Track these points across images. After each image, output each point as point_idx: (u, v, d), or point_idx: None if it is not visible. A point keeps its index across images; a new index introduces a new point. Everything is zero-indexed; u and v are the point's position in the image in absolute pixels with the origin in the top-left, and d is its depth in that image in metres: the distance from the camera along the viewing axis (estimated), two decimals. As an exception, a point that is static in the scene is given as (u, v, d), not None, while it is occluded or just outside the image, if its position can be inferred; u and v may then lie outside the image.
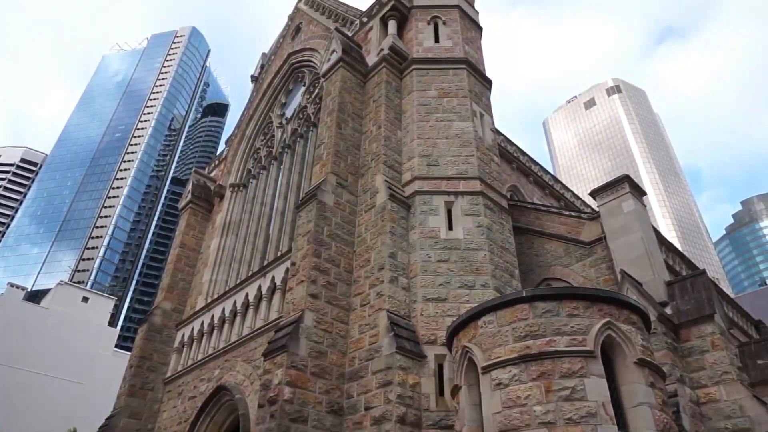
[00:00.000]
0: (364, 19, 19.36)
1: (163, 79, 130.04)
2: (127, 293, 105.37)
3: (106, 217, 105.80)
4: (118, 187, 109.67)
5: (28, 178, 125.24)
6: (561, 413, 7.48)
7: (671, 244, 16.38)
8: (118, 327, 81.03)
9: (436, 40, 17.00)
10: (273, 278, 15.47)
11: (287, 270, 14.27)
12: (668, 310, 12.12)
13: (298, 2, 26.16)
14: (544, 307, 8.45)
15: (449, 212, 13.21)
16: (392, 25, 17.59)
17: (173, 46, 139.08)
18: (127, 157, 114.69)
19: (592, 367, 7.84)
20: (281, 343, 10.86)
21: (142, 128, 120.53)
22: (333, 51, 17.20)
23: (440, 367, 10.83)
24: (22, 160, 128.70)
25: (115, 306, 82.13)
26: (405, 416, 9.86)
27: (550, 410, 7.55)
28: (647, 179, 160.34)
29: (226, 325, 16.90)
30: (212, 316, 17.67)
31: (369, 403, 10.36)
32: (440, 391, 10.54)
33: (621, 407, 7.91)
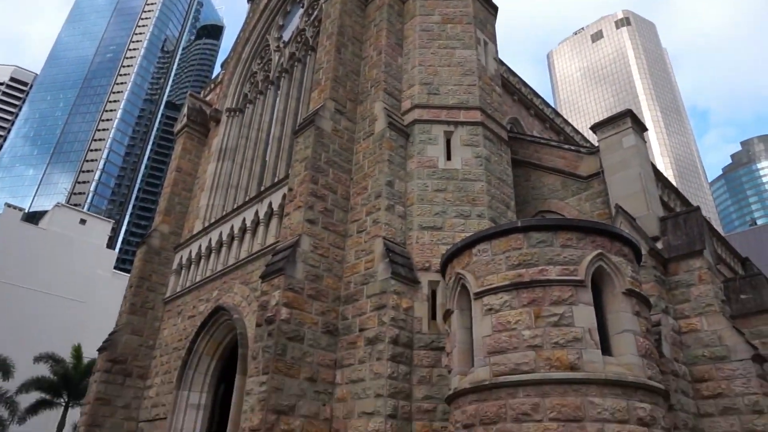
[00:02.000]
0: (367, -65, 18.28)
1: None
2: (125, 216, 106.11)
3: (100, 140, 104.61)
4: (111, 110, 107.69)
5: (18, 98, 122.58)
6: (548, 338, 7.79)
7: (668, 181, 16.44)
8: (117, 249, 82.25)
9: (442, -40, 16.16)
10: (270, 204, 15.55)
11: (284, 196, 14.32)
12: (659, 245, 12.35)
13: None
14: (539, 237, 8.58)
15: (448, 142, 13.12)
16: (396, -57, 16.64)
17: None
18: (119, 79, 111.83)
19: (581, 296, 8.08)
20: (279, 266, 11.08)
21: (135, 48, 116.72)
22: (333, -31, 16.36)
23: (433, 293, 11.14)
24: (12, 79, 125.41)
25: (113, 229, 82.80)
26: (398, 338, 10.24)
27: (538, 335, 7.85)
28: (649, 116, 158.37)
29: (224, 249, 17.16)
30: (210, 240, 17.91)
31: (363, 325, 10.73)
32: (432, 316, 10.90)
33: (607, 333, 8.23)
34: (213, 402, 15.98)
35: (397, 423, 9.52)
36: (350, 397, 10.25)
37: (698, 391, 10.74)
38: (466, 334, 8.99)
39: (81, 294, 58.49)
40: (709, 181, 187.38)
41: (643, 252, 11.42)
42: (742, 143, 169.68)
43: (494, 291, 8.50)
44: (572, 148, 15.88)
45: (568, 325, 7.84)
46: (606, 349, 8.08)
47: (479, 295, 8.70)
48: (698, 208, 13.11)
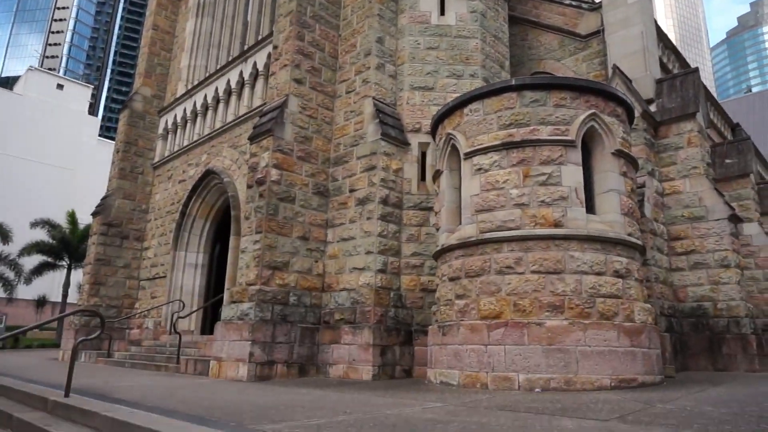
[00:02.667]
0: None
1: None
2: (104, 81, 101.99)
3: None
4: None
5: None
6: (535, 196, 7.94)
7: (669, 41, 15.77)
8: (99, 116, 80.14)
9: None
10: (254, 63, 14.85)
11: (269, 55, 13.63)
12: (653, 108, 12.19)
13: None
14: (532, 96, 8.38)
15: (442, -5, 12.24)
16: None
17: None
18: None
19: (570, 156, 8.10)
20: (267, 127, 10.88)
21: None
22: None
23: (423, 154, 11.13)
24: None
25: (93, 95, 79.98)
26: (387, 198, 10.42)
27: (525, 193, 7.99)
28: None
29: (210, 112, 16.72)
30: (194, 103, 17.39)
31: (353, 186, 10.85)
32: (422, 177, 11.00)
33: (592, 192, 8.40)
34: (210, 261, 16.66)
35: (386, 277, 10.04)
36: (341, 254, 10.69)
37: (672, 248, 11.31)
38: (454, 193, 9.13)
39: (68, 161, 58.11)
40: (711, 46, 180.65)
41: (637, 114, 11.30)
42: (752, 4, 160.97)
43: (484, 151, 8.48)
44: (573, 3, 14.94)
45: (556, 185, 7.96)
46: (591, 207, 8.30)
47: (469, 155, 8.70)
48: (696, 70, 12.76)
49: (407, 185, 10.87)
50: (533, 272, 7.67)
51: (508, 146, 8.28)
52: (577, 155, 8.14)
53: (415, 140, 11.15)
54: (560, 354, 7.21)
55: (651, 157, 11.55)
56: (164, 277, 16.46)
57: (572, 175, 8.02)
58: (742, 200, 15.23)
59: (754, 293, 14.71)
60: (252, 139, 11.30)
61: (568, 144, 8.11)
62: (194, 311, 15.15)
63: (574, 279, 7.58)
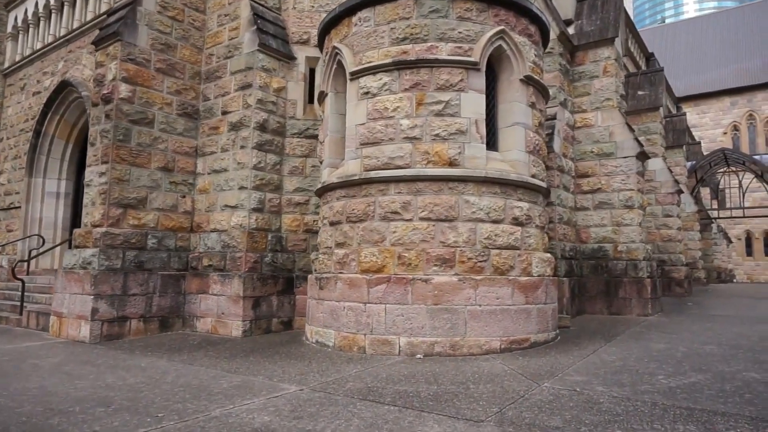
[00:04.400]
0: None
1: None
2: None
3: None
4: None
5: None
6: (429, 129, 6.67)
7: (594, -43, 14.48)
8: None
9: None
10: (114, -51, 12.03)
11: (128, -63, 10.94)
12: (571, 30, 11.06)
13: None
14: (432, 5, 6.87)
15: None
16: None
17: None
18: None
19: (472, 81, 6.81)
20: (113, 29, 8.67)
21: None
22: None
23: (312, 72, 9.45)
24: None
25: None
26: (266, 123, 8.78)
27: (418, 125, 6.69)
28: None
29: (66, 8, 13.76)
30: (47, -4, 14.24)
31: (226, 107, 9.06)
32: (310, 98, 9.38)
33: (496, 126, 7.26)
34: (76, 189, 14.35)
35: (264, 216, 8.62)
36: (213, 189, 9.07)
37: (579, 186, 10.65)
38: (339, 121, 7.68)
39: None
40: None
41: (553, 36, 10.13)
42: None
43: (373, 71, 7.00)
44: None
45: (453, 116, 6.70)
46: (493, 143, 7.19)
47: (356, 75, 7.19)
48: (620, -10, 11.64)
49: (291, 108, 9.23)
50: (422, 219, 6.55)
51: (400, 66, 6.83)
52: (480, 80, 6.87)
53: (302, 54, 9.40)
54: (447, 315, 6.28)
55: (565, 85, 10.56)
56: (19, 207, 14.06)
57: (473, 104, 6.78)
58: (650, 134, 14.94)
59: (651, 229, 14.77)
60: (96, 44, 9.05)
61: (471, 66, 6.79)
62: (53, 247, 13.08)
63: (467, 228, 6.55)
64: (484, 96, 6.87)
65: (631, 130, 10.51)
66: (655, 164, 14.72)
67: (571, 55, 10.92)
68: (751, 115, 42.17)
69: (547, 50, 10.30)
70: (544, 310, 6.95)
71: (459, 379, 5.08)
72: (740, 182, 22.67)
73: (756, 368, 5.45)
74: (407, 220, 6.58)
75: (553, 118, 9.91)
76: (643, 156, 10.46)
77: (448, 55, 6.78)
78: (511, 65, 7.18)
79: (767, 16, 46.27)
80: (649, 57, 19.12)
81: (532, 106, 7.35)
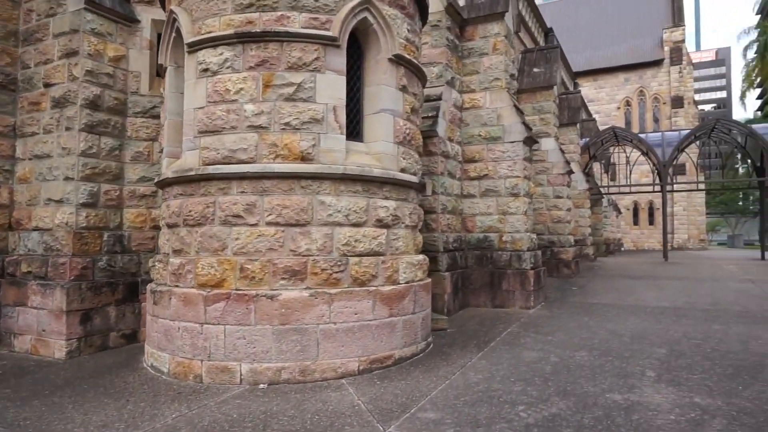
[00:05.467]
0: None
1: None
2: None
3: None
4: None
5: None
6: (279, 116, 5.63)
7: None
8: None
9: None
10: None
11: None
12: (462, 2, 10.28)
13: None
14: (285, -35, 5.74)
15: None
16: None
17: None
18: None
19: (331, 60, 5.82)
20: None
21: None
22: None
23: (160, 37, 8.00)
24: None
25: None
26: (99, 99, 7.30)
27: (264, 111, 5.63)
28: None
29: None
30: None
31: (49, 79, 7.45)
32: (159, 71, 7.96)
33: (361, 114, 6.35)
34: None
35: (98, 212, 7.24)
36: (35, 178, 7.50)
37: (466, 172, 10.09)
38: (179, 101, 6.43)
39: None
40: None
41: (441, 7, 9.31)
42: None
43: (213, 43, 5.80)
44: None
45: (307, 101, 5.70)
46: (358, 133, 6.29)
47: (194, 48, 5.96)
48: (513, -39, 10.99)
49: (135, 82, 7.78)
50: (270, 224, 5.57)
51: (244, 38, 5.69)
52: (340, 59, 5.88)
53: (147, 16, 7.91)
54: (296, 336, 5.42)
55: (453, 62, 9.83)
56: None
57: (331, 87, 5.80)
58: (544, 113, 14.74)
59: (542, 210, 14.74)
60: None
61: (329, 42, 5.78)
62: None
63: (323, 234, 5.66)
64: (344, 78, 5.91)
65: (520, 113, 10.03)
66: (547, 144, 14.59)
67: (461, 30, 10.18)
68: (641, 91, 44.50)
69: (433, 23, 9.50)
70: (411, 321, 6.28)
71: (294, 426, 4.25)
72: (627, 158, 23.57)
73: (620, 386, 5.09)
74: (252, 225, 5.58)
75: (439, 98, 9.17)
76: (530, 141, 10.04)
77: (302, 27, 5.72)
78: (379, 42, 6.25)
79: (659, -4, 48.54)
80: (548, 32, 18.97)
81: (404, 89, 6.50)
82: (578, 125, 20.02)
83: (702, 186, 35.16)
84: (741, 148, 23.52)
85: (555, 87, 14.61)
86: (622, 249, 39.28)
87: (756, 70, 40.44)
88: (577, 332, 7.49)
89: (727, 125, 22.52)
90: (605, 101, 45.35)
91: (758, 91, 65.89)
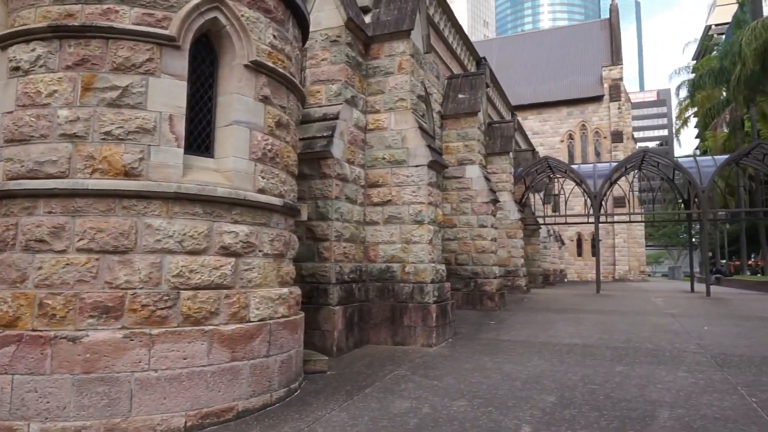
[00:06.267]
0: None
1: None
2: None
3: None
4: None
5: None
6: (98, 124, 4.78)
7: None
8: None
9: None
10: None
11: None
12: (368, 19, 9.78)
13: None
14: (121, -46, 4.98)
15: None
16: None
17: None
18: None
19: (169, 63, 5.04)
20: None
21: None
22: None
23: None
24: None
25: None
26: None
27: (81, 117, 4.77)
28: None
29: None
30: None
31: None
32: None
33: (213, 126, 5.57)
34: None
35: None
36: None
37: (369, 197, 9.41)
38: (-3, 107, 5.49)
39: None
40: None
41: (340, 22, 8.76)
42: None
43: (26, 37, 4.94)
44: None
45: (135, 107, 4.88)
46: (207, 148, 5.50)
47: (5, 42, 5.07)
48: (426, -19, 10.63)
49: (-28, 86, 6.77)
50: (81, 251, 4.65)
51: (61, 33, 4.85)
52: (180, 62, 5.11)
53: (-7, 14, 6.97)
54: (103, 386, 4.46)
55: (356, 81, 9.24)
56: None
57: (167, 93, 5.01)
58: (469, 140, 14.37)
59: (466, 240, 14.21)
60: None
61: (166, 42, 5.01)
62: None
63: (149, 263, 4.77)
64: (185, 83, 5.13)
65: (427, 135, 9.47)
66: (472, 172, 14.17)
67: (367, 48, 9.64)
68: (583, 125, 45.67)
69: (333, 39, 8.94)
70: (264, 365, 5.41)
71: None
72: (561, 188, 23.63)
73: (485, 446, 4.35)
74: (59, 252, 4.64)
75: (336, 117, 8.52)
76: (438, 166, 9.47)
77: (133, 23, 4.93)
78: (234, 47, 5.53)
79: (600, 36, 50.58)
80: (479, 61, 18.87)
81: (265, 100, 5.77)
82: (511, 154, 19.86)
83: (636, 218, 35.87)
84: (669, 182, 23.97)
85: (480, 113, 14.30)
86: (566, 280, 39.49)
87: (687, 109, 42.22)
88: (468, 376, 6.77)
89: (655, 158, 22.92)
90: (549, 134, 46.28)
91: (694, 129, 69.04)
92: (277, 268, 5.87)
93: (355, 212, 9.01)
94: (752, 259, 58.86)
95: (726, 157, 21.68)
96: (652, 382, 6.42)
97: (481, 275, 13.98)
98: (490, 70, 23.04)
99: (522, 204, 23.60)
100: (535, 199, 27.47)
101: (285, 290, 5.91)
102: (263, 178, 5.70)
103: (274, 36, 5.95)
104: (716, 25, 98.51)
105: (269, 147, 5.80)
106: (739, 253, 46.67)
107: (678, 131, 45.05)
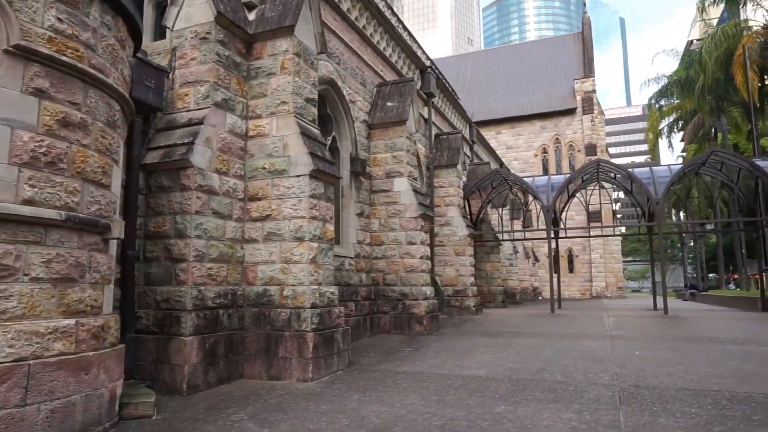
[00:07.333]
0: None
1: None
2: None
3: None
4: None
5: None
6: None
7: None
8: None
9: None
10: None
11: None
12: (252, 16, 8.89)
13: None
14: None
15: None
16: None
17: None
18: None
19: None
20: None
21: None
22: None
23: None
24: None
25: None
26: None
27: None
28: None
29: None
30: None
31: None
32: None
33: (-35, 123, 4.58)
34: None
35: None
36: None
37: (248, 212, 8.41)
38: None
39: None
40: (483, 6, 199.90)
41: (210, 18, 7.87)
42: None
43: None
44: None
45: None
46: (-46, 149, 4.50)
47: None
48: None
49: None
50: None
51: None
52: None
53: None
54: None
55: (233, 82, 8.32)
56: None
57: None
58: (397, 151, 13.52)
59: (394, 258, 13.23)
60: None
61: None
62: None
63: None
64: None
65: (312, 142, 8.49)
66: (400, 185, 13.22)
67: (249, 47, 8.73)
68: (557, 138, 45.11)
69: (202, 36, 8.04)
70: (19, 417, 4.35)
71: None
72: (520, 202, 22.76)
73: None
74: None
75: (200, 122, 7.56)
76: (325, 176, 8.49)
77: None
78: (-10, 29, 4.57)
79: (573, 49, 50.33)
80: (424, 70, 18.04)
81: (40, 94, 4.80)
82: (459, 167, 18.98)
83: (596, 232, 35.06)
84: (628, 193, 23.19)
85: (409, 122, 13.42)
86: (540, 298, 38.47)
87: (660, 121, 41.77)
88: (314, 421, 5.72)
89: (611, 170, 22.14)
90: (523, 148, 45.67)
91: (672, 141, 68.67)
92: (58, 295, 4.84)
93: (229, 229, 8.00)
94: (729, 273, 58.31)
95: (681, 166, 20.94)
96: (526, 427, 5.40)
97: (410, 296, 12.94)
98: (442, 78, 22.31)
99: (479, 219, 22.68)
100: (502, 214, 26.54)
101: (69, 321, 4.87)
102: (33, 186, 4.70)
103: (60, 19, 4.99)
104: (697, 40, 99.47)
105: (44, 150, 4.80)
106: (717, 268, 45.99)
107: (652, 143, 44.53)
